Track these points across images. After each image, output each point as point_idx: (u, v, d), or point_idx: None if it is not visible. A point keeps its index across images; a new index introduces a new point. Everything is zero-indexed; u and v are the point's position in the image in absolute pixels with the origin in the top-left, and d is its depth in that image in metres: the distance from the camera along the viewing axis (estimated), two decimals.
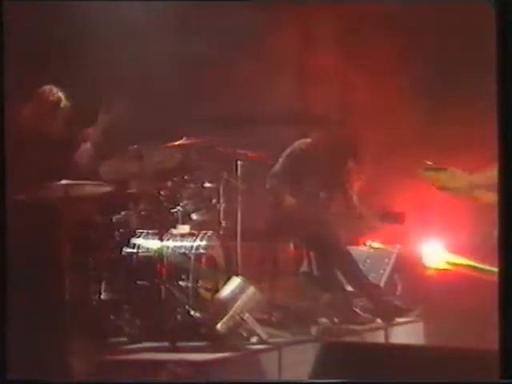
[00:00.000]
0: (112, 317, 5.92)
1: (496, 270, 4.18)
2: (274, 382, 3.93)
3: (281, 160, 7.13)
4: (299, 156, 7.12)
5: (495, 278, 4.46)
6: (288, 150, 7.15)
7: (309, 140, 7.21)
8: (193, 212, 6.40)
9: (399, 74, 8.19)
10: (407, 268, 7.66)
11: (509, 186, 3.66)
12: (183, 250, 6.15)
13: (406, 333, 7.02)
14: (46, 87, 6.24)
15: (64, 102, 6.24)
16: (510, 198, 3.65)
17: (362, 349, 4.98)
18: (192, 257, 6.12)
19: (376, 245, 7.74)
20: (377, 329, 6.83)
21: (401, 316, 7.06)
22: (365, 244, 7.75)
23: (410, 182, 7.66)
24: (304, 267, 7.00)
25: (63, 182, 5.82)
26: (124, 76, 7.13)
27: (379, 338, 6.71)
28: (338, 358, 3.80)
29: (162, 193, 6.32)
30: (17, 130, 6.10)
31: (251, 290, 5.89)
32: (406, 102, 8.15)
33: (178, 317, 5.89)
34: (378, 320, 6.90)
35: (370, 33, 8.26)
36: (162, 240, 6.12)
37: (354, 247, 7.33)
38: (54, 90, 6.22)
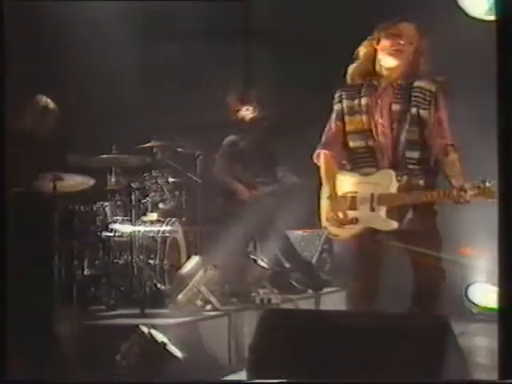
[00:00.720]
0: (92, 289, 5.94)
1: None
2: (273, 382, 3.45)
3: (217, 158, 7.12)
4: (231, 151, 7.12)
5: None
6: (220, 150, 7.15)
7: (233, 136, 7.16)
8: (159, 202, 6.44)
9: None
10: (334, 248, 7.86)
11: (508, 188, 3.27)
12: (152, 234, 6.19)
13: (333, 300, 7.04)
14: (37, 96, 6.26)
15: (51, 108, 6.27)
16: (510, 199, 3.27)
17: (296, 314, 5.02)
18: (159, 239, 6.18)
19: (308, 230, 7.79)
20: (309, 297, 6.91)
21: (328, 287, 7.20)
22: (300, 228, 7.80)
23: None
24: (250, 248, 7.05)
25: (52, 176, 5.79)
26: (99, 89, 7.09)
27: (310, 305, 6.80)
28: (277, 322, 3.76)
29: (134, 186, 6.30)
30: (13, 131, 6.23)
31: (207, 266, 5.92)
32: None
33: (147, 289, 5.89)
34: (310, 290, 7.00)
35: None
36: (134, 225, 6.14)
37: (291, 231, 7.41)
38: (44, 98, 6.26)
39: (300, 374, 3.47)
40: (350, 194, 4.24)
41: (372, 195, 4.17)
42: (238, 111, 7.08)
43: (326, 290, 7.15)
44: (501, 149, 3.20)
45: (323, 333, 3.62)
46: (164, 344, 4.71)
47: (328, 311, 6.44)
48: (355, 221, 4.18)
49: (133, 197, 6.29)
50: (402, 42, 4.18)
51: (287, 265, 7.09)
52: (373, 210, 4.16)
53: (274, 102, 7.79)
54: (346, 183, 4.28)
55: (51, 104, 6.30)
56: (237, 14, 8.67)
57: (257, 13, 9.00)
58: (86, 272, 6.01)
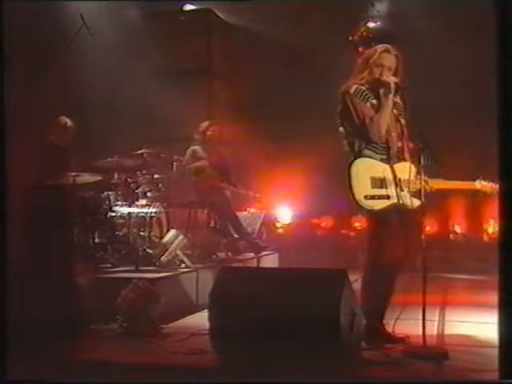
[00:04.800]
0: (101, 252, 5.89)
1: None
2: (275, 382, 3.14)
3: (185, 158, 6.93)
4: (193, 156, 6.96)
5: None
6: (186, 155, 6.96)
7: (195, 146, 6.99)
8: (148, 192, 6.35)
9: None
10: (269, 224, 7.98)
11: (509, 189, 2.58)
12: (142, 214, 6.04)
13: (268, 261, 7.20)
14: (59, 117, 6.21)
15: (70, 126, 6.25)
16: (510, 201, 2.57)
17: (243, 270, 5.23)
18: (148, 218, 6.05)
19: (252, 210, 7.93)
20: (251, 258, 6.94)
21: (264, 250, 7.19)
22: (245, 210, 7.89)
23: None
24: (211, 224, 7.02)
25: (72, 173, 5.85)
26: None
27: (253, 263, 6.85)
28: (230, 276, 3.85)
29: (130, 181, 6.30)
30: (44, 142, 6.12)
31: (181, 237, 5.93)
32: None
33: (140, 253, 5.79)
34: (252, 253, 7.02)
35: None
36: (130, 208, 6.09)
37: (239, 212, 7.38)
38: (64, 118, 6.23)
39: (245, 312, 3.52)
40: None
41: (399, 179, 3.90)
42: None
43: (262, 253, 7.13)
44: (501, 150, 2.59)
45: (262, 283, 3.70)
46: (151, 290, 4.65)
47: (265, 268, 6.64)
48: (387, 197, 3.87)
49: (129, 188, 6.28)
50: (384, 72, 3.95)
51: (236, 236, 7.02)
52: (401, 190, 3.90)
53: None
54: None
55: (69, 122, 6.26)
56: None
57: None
58: (96, 240, 5.94)
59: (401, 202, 3.86)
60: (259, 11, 8.10)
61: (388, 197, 3.88)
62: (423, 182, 3.82)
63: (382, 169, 3.89)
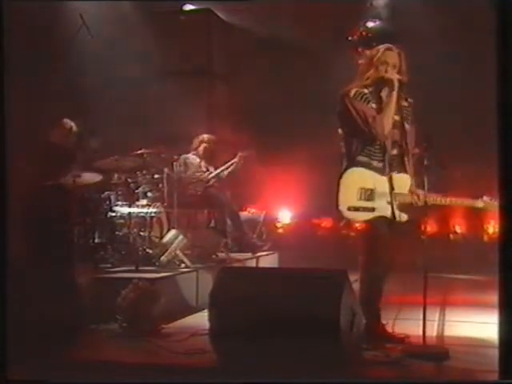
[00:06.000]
0: (101, 252, 5.87)
1: None
2: (275, 382, 3.11)
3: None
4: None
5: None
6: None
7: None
8: (148, 192, 6.37)
9: None
10: (269, 224, 7.97)
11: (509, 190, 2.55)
12: (142, 214, 6.07)
13: (267, 261, 7.18)
14: (64, 119, 6.23)
15: (74, 129, 6.27)
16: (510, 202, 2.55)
17: (242, 270, 5.26)
18: (148, 218, 6.06)
19: (252, 210, 7.93)
20: (251, 258, 6.90)
21: (261, 249, 7.17)
22: (246, 210, 7.89)
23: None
24: (212, 224, 7.01)
25: (72, 173, 5.81)
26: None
27: (252, 263, 6.82)
28: (229, 276, 3.82)
29: (130, 181, 6.31)
30: (47, 144, 6.15)
31: (181, 237, 5.93)
32: None
33: (140, 253, 5.81)
34: (251, 253, 6.97)
35: None
36: (130, 208, 6.10)
37: (241, 212, 7.38)
38: (69, 121, 6.25)
39: (245, 312, 3.51)
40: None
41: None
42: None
43: (262, 253, 7.12)
44: (501, 151, 2.54)
45: (262, 283, 3.68)
46: (151, 290, 4.63)
47: (265, 268, 6.59)
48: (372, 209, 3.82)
49: (129, 188, 6.30)
50: (388, 69, 3.90)
51: (236, 235, 6.99)
52: (390, 203, 3.83)
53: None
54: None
55: (74, 126, 6.29)
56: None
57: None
58: (96, 240, 5.94)
59: (387, 215, 3.81)
60: (259, 11, 8.08)
61: (373, 209, 3.81)
62: (416, 197, 3.74)
63: (373, 180, 3.83)
